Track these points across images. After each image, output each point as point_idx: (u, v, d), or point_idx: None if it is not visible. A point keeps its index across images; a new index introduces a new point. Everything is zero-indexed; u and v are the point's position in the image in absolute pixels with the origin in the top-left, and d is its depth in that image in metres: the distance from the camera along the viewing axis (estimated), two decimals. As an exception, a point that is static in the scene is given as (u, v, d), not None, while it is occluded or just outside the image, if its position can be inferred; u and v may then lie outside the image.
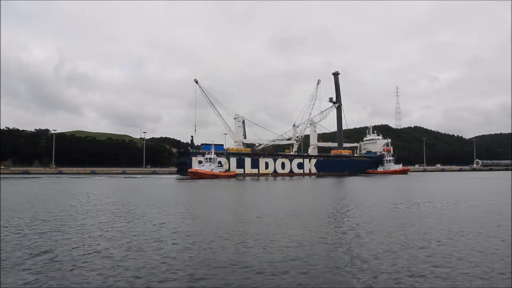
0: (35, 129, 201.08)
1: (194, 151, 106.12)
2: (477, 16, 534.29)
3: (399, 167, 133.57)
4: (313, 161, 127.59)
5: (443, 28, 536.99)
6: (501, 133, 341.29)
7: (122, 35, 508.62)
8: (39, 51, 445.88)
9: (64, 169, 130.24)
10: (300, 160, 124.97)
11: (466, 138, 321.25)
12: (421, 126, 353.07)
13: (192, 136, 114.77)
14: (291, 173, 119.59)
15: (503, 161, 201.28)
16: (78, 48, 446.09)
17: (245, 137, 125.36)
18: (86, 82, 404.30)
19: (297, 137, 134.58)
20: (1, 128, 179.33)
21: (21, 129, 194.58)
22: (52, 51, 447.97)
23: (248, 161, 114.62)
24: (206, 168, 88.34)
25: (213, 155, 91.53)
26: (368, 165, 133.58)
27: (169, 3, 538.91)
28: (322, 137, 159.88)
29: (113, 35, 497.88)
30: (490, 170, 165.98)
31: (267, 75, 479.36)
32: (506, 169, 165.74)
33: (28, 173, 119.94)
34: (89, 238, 13.78)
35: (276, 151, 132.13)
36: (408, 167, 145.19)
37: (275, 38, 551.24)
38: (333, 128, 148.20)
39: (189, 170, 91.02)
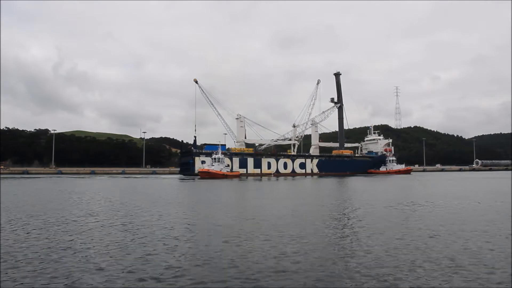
0: (35, 129, 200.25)
1: (197, 151, 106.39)
2: (478, 15, 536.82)
3: (402, 167, 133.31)
4: (315, 161, 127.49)
5: (444, 28, 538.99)
6: (501, 133, 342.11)
7: (121, 34, 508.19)
8: (38, 50, 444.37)
9: (64, 169, 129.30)
10: (302, 160, 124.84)
11: (467, 138, 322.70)
12: (422, 125, 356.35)
13: (195, 136, 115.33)
14: (293, 173, 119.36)
15: (503, 161, 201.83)
16: (77, 47, 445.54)
17: (245, 137, 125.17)
18: (85, 81, 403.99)
19: (297, 137, 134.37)
20: (1, 128, 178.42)
21: (20, 129, 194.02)
22: (51, 50, 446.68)
23: (250, 161, 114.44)
24: (216, 168, 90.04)
25: (220, 155, 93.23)
26: (370, 165, 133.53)
27: (170, 2, 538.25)
28: (323, 137, 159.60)
29: (112, 34, 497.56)
30: (490, 170, 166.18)
31: (267, 75, 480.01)
32: (506, 169, 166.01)
33: (28, 173, 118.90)
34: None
35: (277, 151, 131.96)
36: (411, 167, 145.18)
37: (276, 37, 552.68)
38: (335, 128, 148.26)
39: (199, 170, 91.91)
